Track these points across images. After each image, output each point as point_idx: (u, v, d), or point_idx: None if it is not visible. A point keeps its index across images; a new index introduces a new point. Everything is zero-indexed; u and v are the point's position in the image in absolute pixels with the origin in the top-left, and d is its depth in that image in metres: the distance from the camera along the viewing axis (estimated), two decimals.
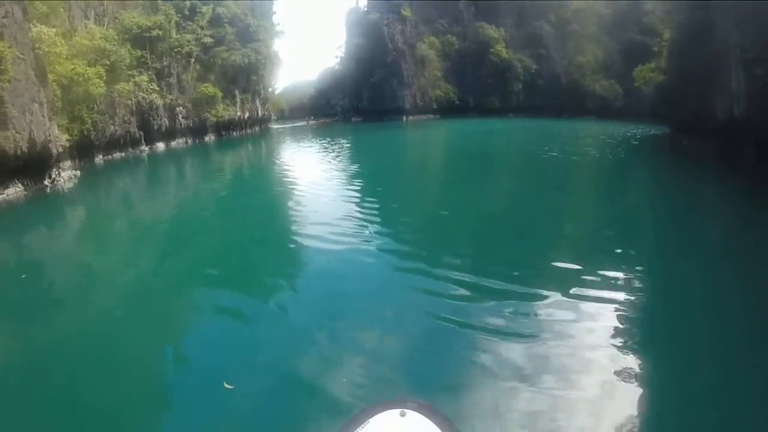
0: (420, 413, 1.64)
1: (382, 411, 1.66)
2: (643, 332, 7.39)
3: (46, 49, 24.62)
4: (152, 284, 10.60)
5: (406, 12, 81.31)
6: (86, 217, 19.14)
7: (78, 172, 28.13)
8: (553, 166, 24.62)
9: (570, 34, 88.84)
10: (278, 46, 68.79)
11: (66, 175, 26.41)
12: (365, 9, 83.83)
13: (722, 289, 8.93)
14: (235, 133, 59.35)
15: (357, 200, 16.84)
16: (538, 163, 25.67)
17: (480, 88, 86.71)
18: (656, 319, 7.92)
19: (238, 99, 59.72)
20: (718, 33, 24.45)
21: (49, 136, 23.79)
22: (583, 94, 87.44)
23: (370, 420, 1.62)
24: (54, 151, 24.51)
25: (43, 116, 23.43)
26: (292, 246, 12.41)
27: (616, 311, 7.88)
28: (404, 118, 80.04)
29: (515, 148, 34.01)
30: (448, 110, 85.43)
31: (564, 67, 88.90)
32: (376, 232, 12.80)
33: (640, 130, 50.13)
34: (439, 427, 1.59)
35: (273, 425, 5.62)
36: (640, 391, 5.88)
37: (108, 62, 34.78)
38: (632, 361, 6.52)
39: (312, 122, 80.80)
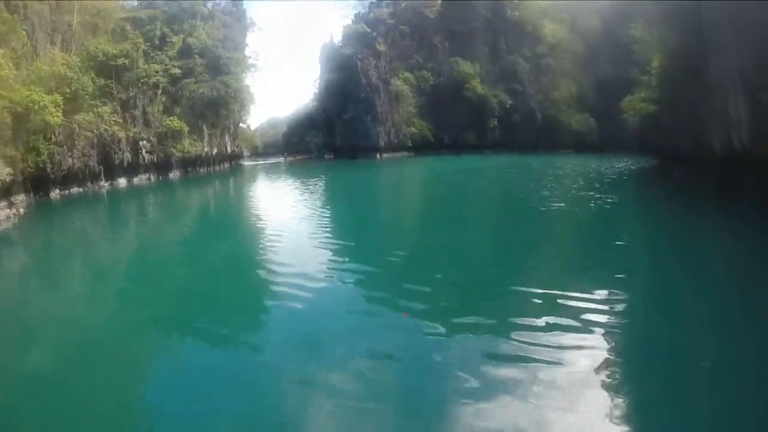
0: None
1: None
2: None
3: None
4: (100, 336, 9.38)
5: (381, 47, 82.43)
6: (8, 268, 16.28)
7: (15, 210, 25.32)
8: (545, 211, 21.87)
9: (544, 68, 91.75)
10: (250, 80, 68.29)
11: (2, 215, 23.75)
12: (339, 44, 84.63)
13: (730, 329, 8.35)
14: (202, 170, 57.72)
15: (328, 242, 15.79)
16: (528, 210, 22.30)
17: (455, 125, 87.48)
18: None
19: (206, 134, 58.40)
20: (713, 58, 23.92)
21: None
22: (559, 129, 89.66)
23: None
24: None
25: None
26: (262, 288, 11.70)
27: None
28: (378, 155, 79.20)
29: (496, 191, 30.73)
30: (423, 147, 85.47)
31: (539, 102, 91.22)
32: (351, 273, 12.15)
33: (623, 164, 50.32)
34: None
35: None
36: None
37: (69, 90, 33.24)
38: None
39: (289, 159, 79.98)
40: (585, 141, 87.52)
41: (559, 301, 9.20)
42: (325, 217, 21.91)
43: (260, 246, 16.47)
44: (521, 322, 8.34)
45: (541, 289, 9.80)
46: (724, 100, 23.26)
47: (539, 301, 9.27)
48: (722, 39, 22.73)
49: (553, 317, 8.44)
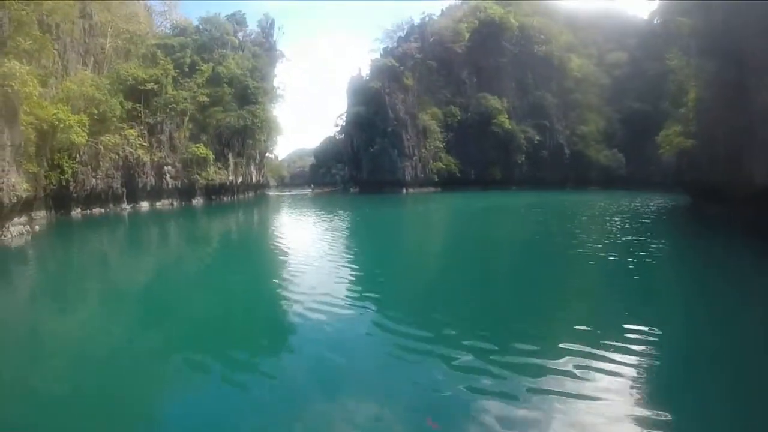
0: None
1: None
2: None
3: (17, 88, 23.14)
4: (105, 362, 8.94)
5: (408, 81, 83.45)
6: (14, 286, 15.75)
7: (30, 227, 25.42)
8: (584, 259, 18.32)
9: (572, 103, 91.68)
10: (278, 110, 69.62)
11: (16, 231, 23.85)
12: (367, 77, 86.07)
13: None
14: (226, 198, 58.22)
15: (351, 277, 15.15)
16: (566, 258, 18.93)
17: (482, 160, 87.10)
18: None
19: (231, 162, 59.28)
20: (755, 88, 23.08)
21: (2, 183, 21.84)
22: (587, 165, 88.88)
23: None
24: (6, 200, 22.28)
25: (2, 160, 21.83)
26: (279, 317, 11.40)
27: None
28: (404, 190, 78.84)
29: (526, 235, 27.45)
30: (449, 182, 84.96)
31: (567, 138, 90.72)
32: (371, 307, 11.68)
33: (657, 202, 47.80)
34: None
35: None
36: None
37: (97, 111, 34.07)
38: None
39: (316, 191, 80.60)
40: (613, 177, 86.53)
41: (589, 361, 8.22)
42: (344, 251, 21.20)
43: (278, 276, 15.87)
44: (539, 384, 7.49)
45: (572, 344, 8.76)
46: (767, 130, 22.53)
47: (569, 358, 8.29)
48: (764, 67, 22.15)
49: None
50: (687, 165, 35.69)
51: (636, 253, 17.61)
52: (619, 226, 26.48)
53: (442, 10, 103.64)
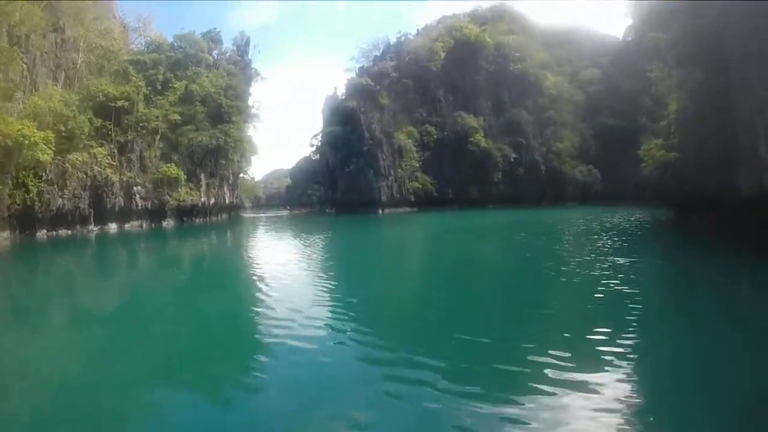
0: None
1: None
2: None
3: None
4: (67, 393, 8.40)
5: (384, 100, 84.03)
6: None
7: None
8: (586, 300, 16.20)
9: (547, 120, 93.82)
10: (253, 130, 68.98)
11: None
12: (343, 96, 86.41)
13: None
14: (198, 220, 57.01)
15: (327, 301, 14.70)
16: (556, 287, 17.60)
17: (459, 179, 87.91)
18: None
19: (203, 183, 58.38)
20: (740, 96, 23.51)
21: None
22: (563, 181, 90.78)
23: None
24: None
25: None
26: (252, 343, 10.99)
27: None
28: (380, 210, 78.44)
29: (507, 259, 25.10)
30: (425, 202, 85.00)
31: (543, 155, 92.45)
32: (350, 333, 11.29)
33: (638, 216, 47.86)
34: None
35: None
36: None
37: (65, 128, 33.11)
38: None
39: (294, 212, 79.80)
40: (589, 193, 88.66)
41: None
42: (319, 276, 20.50)
43: (250, 302, 15.26)
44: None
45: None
46: (753, 138, 22.72)
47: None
48: (750, 75, 22.40)
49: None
50: (670, 177, 36.09)
51: (635, 278, 16.38)
52: (609, 245, 24.36)
53: (418, 29, 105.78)
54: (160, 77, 51.78)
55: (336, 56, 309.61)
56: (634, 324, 10.78)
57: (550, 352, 9.18)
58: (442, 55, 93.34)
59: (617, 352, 8.87)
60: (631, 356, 8.75)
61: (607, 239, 27.66)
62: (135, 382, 8.63)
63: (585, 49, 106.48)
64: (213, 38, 66.99)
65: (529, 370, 8.37)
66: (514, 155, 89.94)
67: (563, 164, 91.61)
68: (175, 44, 61.10)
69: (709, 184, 28.26)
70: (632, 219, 44.06)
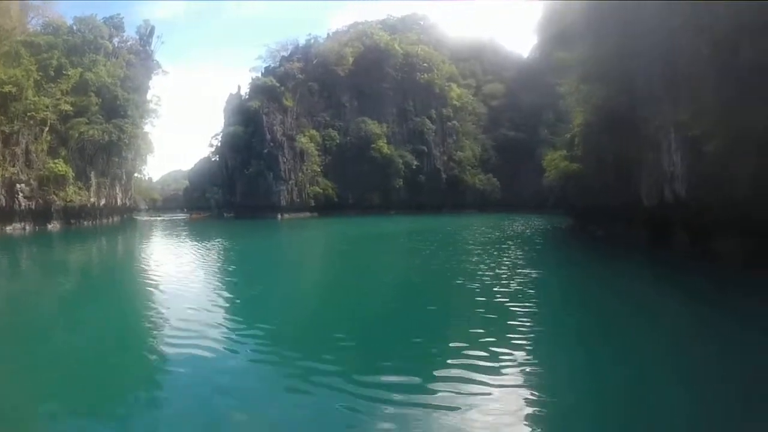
0: None
1: None
2: None
3: None
4: None
5: (288, 102, 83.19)
6: None
7: None
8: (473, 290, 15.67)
9: (449, 130, 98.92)
10: (150, 126, 65.02)
11: None
12: (246, 96, 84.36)
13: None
14: (87, 223, 52.87)
15: (227, 311, 14.43)
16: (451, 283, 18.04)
17: (360, 185, 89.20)
18: None
19: (93, 182, 54.60)
20: (646, 111, 24.99)
21: None
22: (463, 189, 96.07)
23: None
24: None
25: None
26: (155, 354, 10.48)
27: None
28: (279, 215, 76.77)
29: (407, 260, 25.18)
30: (326, 207, 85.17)
31: (444, 163, 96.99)
32: (248, 341, 11.11)
33: (538, 223, 51.34)
34: None
35: None
36: None
37: None
38: None
39: (194, 216, 75.60)
40: (488, 200, 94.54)
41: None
42: (217, 286, 19.69)
43: (143, 313, 14.44)
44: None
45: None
46: (657, 153, 24.23)
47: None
48: (655, 92, 23.87)
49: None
50: (573, 188, 39.12)
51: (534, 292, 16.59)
52: (514, 255, 24.15)
53: (328, 33, 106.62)
54: (54, 62, 47.57)
55: (244, 58, 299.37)
56: (531, 328, 11.12)
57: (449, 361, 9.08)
58: (351, 60, 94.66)
59: (511, 359, 8.92)
60: (531, 360, 9.06)
61: (515, 248, 28.28)
62: (18, 410, 7.70)
63: (490, 63, 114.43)
64: (115, 24, 62.49)
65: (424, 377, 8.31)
66: (416, 162, 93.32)
67: (464, 172, 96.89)
68: (74, 27, 56.35)
69: (609, 194, 30.54)
70: (533, 227, 46.44)
